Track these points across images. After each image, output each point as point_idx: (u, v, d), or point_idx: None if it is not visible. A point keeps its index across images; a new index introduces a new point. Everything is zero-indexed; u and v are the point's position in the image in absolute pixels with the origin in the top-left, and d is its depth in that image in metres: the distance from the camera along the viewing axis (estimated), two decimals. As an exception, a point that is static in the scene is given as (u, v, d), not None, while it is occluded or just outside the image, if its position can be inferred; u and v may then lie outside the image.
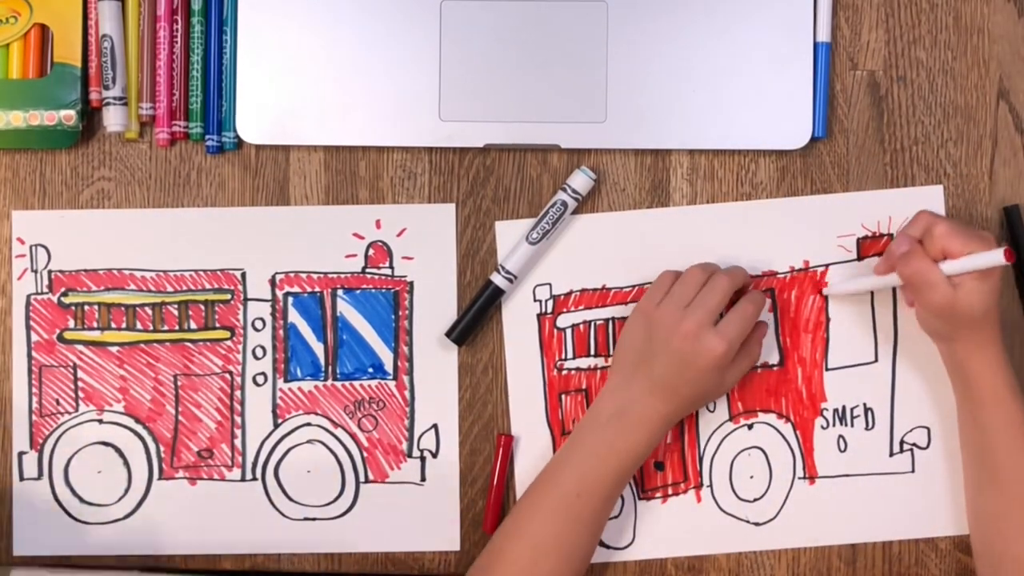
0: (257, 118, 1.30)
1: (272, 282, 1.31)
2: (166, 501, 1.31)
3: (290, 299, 1.31)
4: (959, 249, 1.17)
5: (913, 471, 1.31)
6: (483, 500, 1.31)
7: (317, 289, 1.31)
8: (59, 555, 1.31)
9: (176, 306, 1.31)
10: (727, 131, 1.30)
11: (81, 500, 1.31)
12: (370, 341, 1.31)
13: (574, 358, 1.31)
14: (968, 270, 1.17)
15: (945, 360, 1.26)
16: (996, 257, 1.15)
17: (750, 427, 1.31)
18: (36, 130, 1.30)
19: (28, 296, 1.31)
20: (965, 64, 1.32)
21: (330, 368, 1.31)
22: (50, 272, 1.31)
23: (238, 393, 1.31)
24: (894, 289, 1.30)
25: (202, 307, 1.31)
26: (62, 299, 1.30)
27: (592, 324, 1.31)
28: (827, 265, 1.30)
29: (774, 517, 1.31)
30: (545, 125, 1.29)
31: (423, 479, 1.31)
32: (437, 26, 1.30)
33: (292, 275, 1.31)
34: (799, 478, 1.30)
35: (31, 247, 1.31)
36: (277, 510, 1.31)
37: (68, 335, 1.31)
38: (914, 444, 1.30)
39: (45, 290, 1.31)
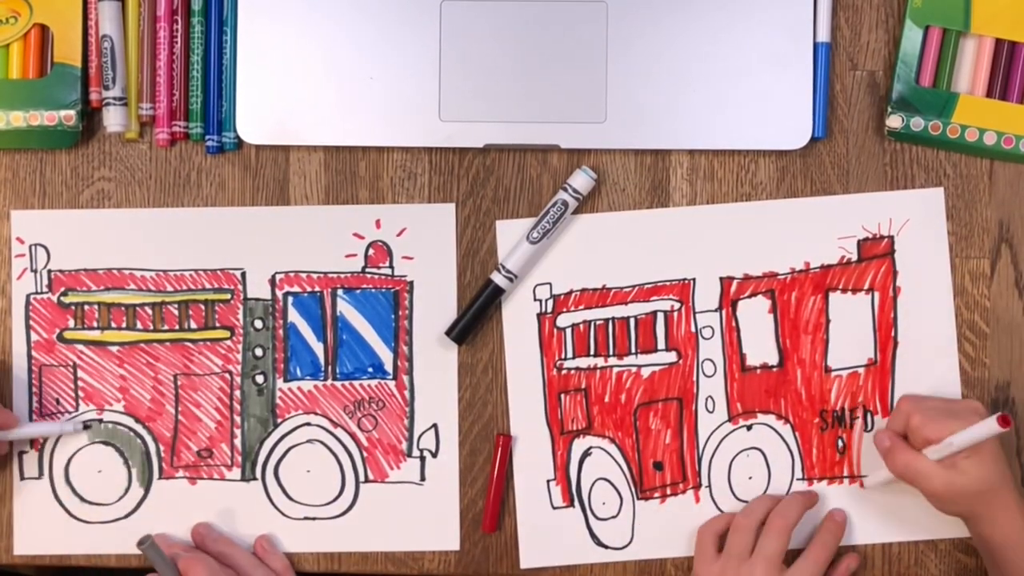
0: (257, 118, 1.30)
1: (272, 282, 1.31)
2: (166, 500, 1.31)
3: (290, 299, 1.31)
4: (937, 435, 1.17)
5: (913, 472, 1.31)
6: (483, 500, 1.31)
7: (317, 289, 1.31)
8: (59, 554, 1.31)
9: (176, 306, 1.31)
10: (727, 131, 1.30)
11: (81, 499, 1.31)
12: (370, 341, 1.31)
13: (574, 358, 1.31)
14: (952, 453, 1.17)
15: (971, 534, 1.24)
16: (990, 427, 1.14)
17: (749, 428, 1.31)
18: (36, 130, 1.30)
19: (28, 296, 1.31)
20: (965, 64, 1.32)
21: (330, 368, 1.31)
22: (50, 272, 1.31)
23: (238, 393, 1.31)
24: (895, 295, 1.30)
25: (202, 307, 1.31)
26: (62, 299, 1.31)
27: (592, 324, 1.31)
28: (827, 266, 1.30)
29: (773, 518, 1.31)
30: (545, 125, 1.29)
31: (423, 479, 1.31)
32: (437, 26, 1.30)
33: (292, 275, 1.31)
34: (798, 479, 1.30)
35: (31, 247, 1.31)
36: (277, 509, 1.31)
37: (68, 335, 1.31)
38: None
39: (45, 290, 1.31)
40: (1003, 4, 1.29)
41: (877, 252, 1.30)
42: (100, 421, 1.31)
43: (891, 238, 1.30)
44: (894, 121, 1.29)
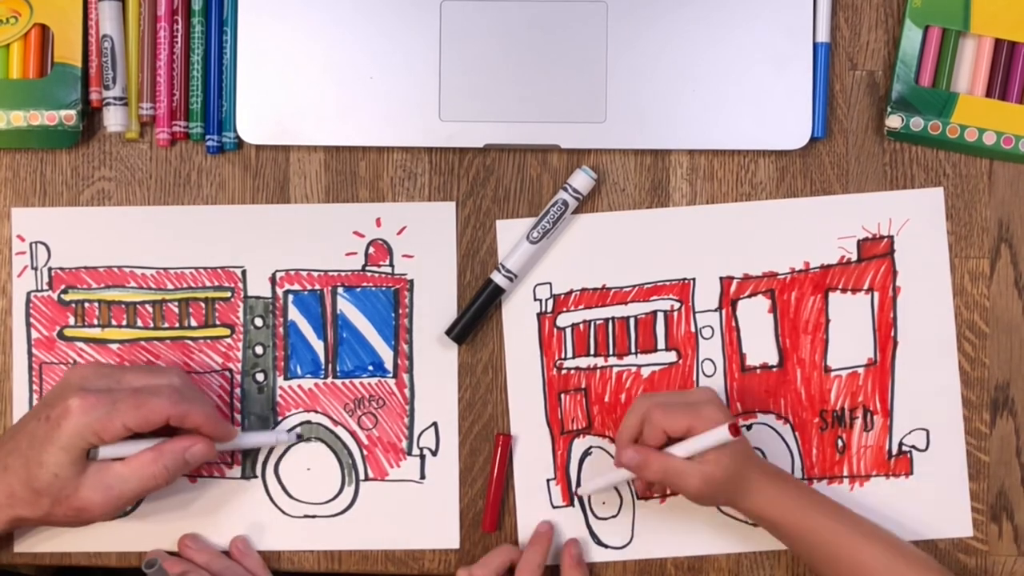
0: (257, 118, 1.30)
1: (272, 280, 1.31)
2: (166, 498, 1.30)
3: (290, 297, 1.31)
4: (675, 426, 1.18)
5: (912, 473, 1.31)
6: (483, 499, 1.31)
7: (317, 287, 1.31)
8: (60, 552, 1.31)
9: (176, 303, 1.31)
10: (727, 131, 1.30)
11: (81, 498, 1.31)
12: (370, 339, 1.31)
13: (574, 357, 1.31)
14: (702, 450, 1.17)
15: (746, 515, 1.25)
16: (722, 435, 1.15)
17: (749, 428, 1.31)
18: (36, 130, 1.30)
19: (28, 293, 1.31)
20: (965, 64, 1.32)
21: (330, 366, 1.31)
22: (50, 269, 1.31)
23: (238, 391, 1.31)
24: (895, 295, 1.30)
25: (202, 304, 1.31)
26: (62, 296, 1.31)
27: (592, 324, 1.31)
28: (827, 266, 1.30)
29: (773, 517, 1.31)
30: (545, 125, 1.30)
31: (423, 477, 1.31)
32: (437, 26, 1.30)
33: (292, 273, 1.31)
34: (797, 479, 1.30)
35: (31, 244, 1.31)
36: (277, 507, 1.31)
37: (68, 332, 1.31)
38: (913, 446, 1.30)
39: (45, 287, 1.31)
40: (1003, 4, 1.29)
41: (877, 252, 1.30)
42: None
43: (891, 238, 1.30)
44: (894, 121, 1.29)
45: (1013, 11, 1.29)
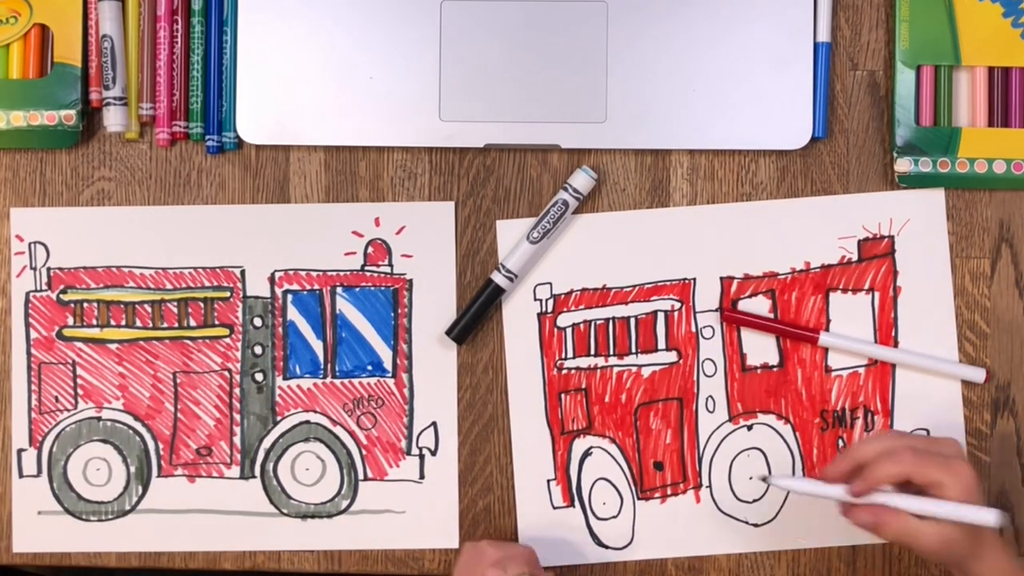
0: (257, 118, 1.30)
1: (271, 280, 1.31)
2: (165, 498, 1.31)
3: (289, 296, 1.31)
4: (930, 479, 1.09)
5: (913, 473, 1.31)
6: (483, 499, 1.31)
7: (316, 287, 1.31)
8: (59, 552, 1.31)
9: (175, 303, 1.31)
10: (727, 131, 1.30)
11: (80, 497, 1.31)
12: (369, 339, 1.31)
13: (574, 357, 1.31)
14: (953, 520, 1.09)
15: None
16: (985, 518, 1.08)
17: (749, 428, 1.31)
18: (36, 130, 1.30)
19: (27, 293, 1.31)
20: (965, 64, 1.32)
21: (329, 366, 1.31)
22: (49, 269, 1.31)
23: (237, 391, 1.31)
24: (895, 294, 1.30)
25: (201, 304, 1.31)
26: (61, 296, 1.31)
27: (592, 324, 1.31)
28: (828, 266, 1.30)
29: (773, 518, 1.30)
30: (545, 125, 1.29)
31: (422, 477, 1.31)
32: (437, 26, 1.30)
33: (291, 273, 1.31)
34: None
35: (30, 244, 1.31)
36: (276, 507, 1.31)
37: (67, 332, 1.31)
38: (914, 446, 1.30)
39: (44, 287, 1.31)
40: (989, 32, 1.29)
41: (877, 252, 1.30)
42: (99, 419, 1.31)
43: (891, 238, 1.30)
44: (903, 166, 1.29)
45: (1000, 38, 1.29)
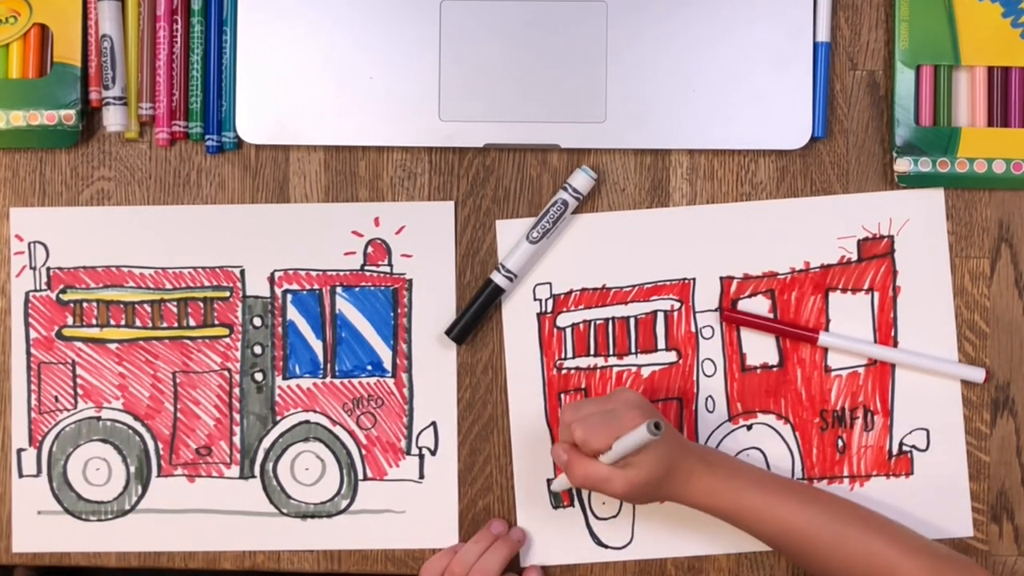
0: (257, 118, 1.30)
1: (271, 279, 1.31)
2: (165, 498, 1.31)
3: (289, 296, 1.31)
4: (601, 444, 1.16)
5: (912, 473, 1.30)
6: (483, 499, 1.31)
7: (316, 286, 1.31)
8: (58, 552, 1.31)
9: (175, 303, 1.31)
10: (727, 131, 1.30)
11: (80, 497, 1.31)
12: (369, 339, 1.31)
13: (574, 357, 1.31)
14: (624, 455, 1.15)
15: (692, 507, 1.23)
16: (640, 436, 1.12)
17: (749, 428, 1.31)
18: (36, 130, 1.30)
19: (27, 293, 1.31)
20: (965, 64, 1.32)
21: (329, 366, 1.31)
22: (48, 269, 1.31)
23: (236, 390, 1.31)
24: (895, 294, 1.30)
25: (201, 304, 1.31)
26: (60, 296, 1.31)
27: (592, 323, 1.31)
28: (827, 266, 1.30)
29: (774, 516, 1.31)
30: (545, 125, 1.29)
31: (421, 477, 1.31)
32: (437, 26, 1.30)
33: (291, 272, 1.31)
34: (798, 479, 1.30)
35: (29, 244, 1.31)
36: (276, 507, 1.31)
37: (67, 332, 1.31)
38: (913, 446, 1.30)
39: (44, 287, 1.31)
40: (988, 32, 1.29)
41: (877, 252, 1.30)
42: (98, 419, 1.31)
43: (891, 238, 1.30)
44: (902, 166, 1.29)
45: (999, 37, 1.29)
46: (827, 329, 1.30)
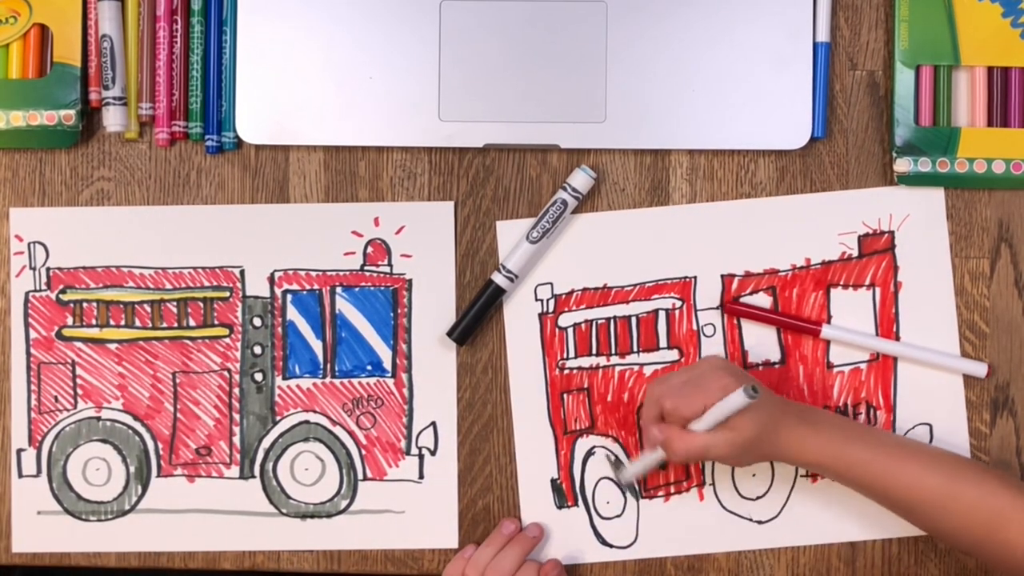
0: (257, 118, 1.30)
1: (271, 279, 1.31)
2: (165, 498, 1.31)
3: (289, 296, 1.31)
4: (692, 412, 1.17)
5: (916, 469, 1.30)
6: (482, 499, 1.30)
7: (316, 287, 1.31)
8: (58, 552, 1.31)
9: (175, 303, 1.31)
10: (727, 131, 1.30)
11: (79, 497, 1.31)
12: (369, 339, 1.31)
13: (576, 357, 1.31)
14: (722, 419, 1.16)
15: (793, 465, 1.26)
16: (737, 401, 1.14)
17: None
18: (36, 130, 1.30)
19: (26, 293, 1.31)
20: (964, 63, 1.32)
21: (328, 366, 1.31)
22: (48, 269, 1.31)
23: (236, 390, 1.31)
24: (896, 289, 1.30)
25: (201, 304, 1.31)
26: (60, 296, 1.30)
27: (594, 323, 1.31)
28: (828, 262, 1.30)
29: (776, 515, 1.30)
30: (545, 125, 1.29)
31: (421, 477, 1.31)
32: (437, 26, 1.30)
33: (291, 272, 1.31)
34: (801, 476, 1.30)
35: (29, 244, 1.31)
36: (275, 507, 1.30)
37: (67, 332, 1.31)
38: (916, 442, 1.30)
39: (43, 287, 1.31)
40: (988, 32, 1.30)
41: (878, 247, 1.30)
42: (98, 419, 1.31)
43: (891, 233, 1.30)
44: (902, 166, 1.29)
45: (999, 37, 1.30)
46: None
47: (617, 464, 1.30)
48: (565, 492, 1.30)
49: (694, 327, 1.30)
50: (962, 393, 1.30)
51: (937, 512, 1.18)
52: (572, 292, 1.31)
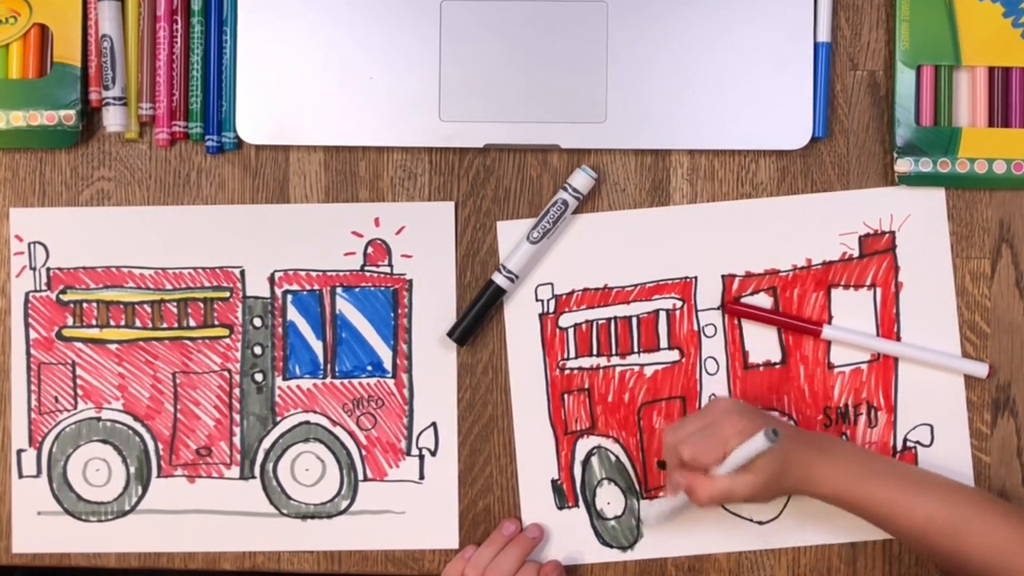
0: (257, 118, 1.30)
1: (271, 280, 1.31)
2: (165, 499, 1.31)
3: (289, 297, 1.30)
4: (713, 459, 1.17)
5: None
6: (483, 500, 1.30)
7: (316, 287, 1.31)
8: (58, 553, 1.31)
9: (175, 304, 1.31)
10: (727, 131, 1.30)
11: (80, 498, 1.31)
12: (369, 339, 1.31)
13: (576, 358, 1.31)
14: (744, 462, 1.16)
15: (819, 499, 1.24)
16: (759, 444, 1.13)
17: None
18: (36, 130, 1.30)
19: (27, 294, 1.31)
20: (965, 63, 1.32)
21: (329, 366, 1.31)
22: (48, 269, 1.31)
23: (237, 391, 1.31)
24: (897, 290, 1.30)
25: (201, 305, 1.31)
26: (60, 296, 1.30)
27: (594, 324, 1.31)
28: (829, 263, 1.30)
29: (777, 516, 1.30)
30: (545, 125, 1.29)
31: (421, 477, 1.30)
32: (437, 26, 1.30)
33: (291, 273, 1.30)
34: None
35: (29, 244, 1.31)
36: (276, 508, 1.30)
37: (67, 332, 1.31)
38: (917, 442, 1.30)
39: (43, 288, 1.31)
40: (989, 32, 1.30)
41: (879, 248, 1.30)
42: (98, 419, 1.31)
43: (892, 234, 1.30)
44: (903, 166, 1.29)
45: (1000, 38, 1.30)
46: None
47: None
48: (566, 493, 1.30)
49: (695, 327, 1.30)
50: (963, 393, 1.30)
51: (949, 548, 1.18)
52: (573, 292, 1.31)
